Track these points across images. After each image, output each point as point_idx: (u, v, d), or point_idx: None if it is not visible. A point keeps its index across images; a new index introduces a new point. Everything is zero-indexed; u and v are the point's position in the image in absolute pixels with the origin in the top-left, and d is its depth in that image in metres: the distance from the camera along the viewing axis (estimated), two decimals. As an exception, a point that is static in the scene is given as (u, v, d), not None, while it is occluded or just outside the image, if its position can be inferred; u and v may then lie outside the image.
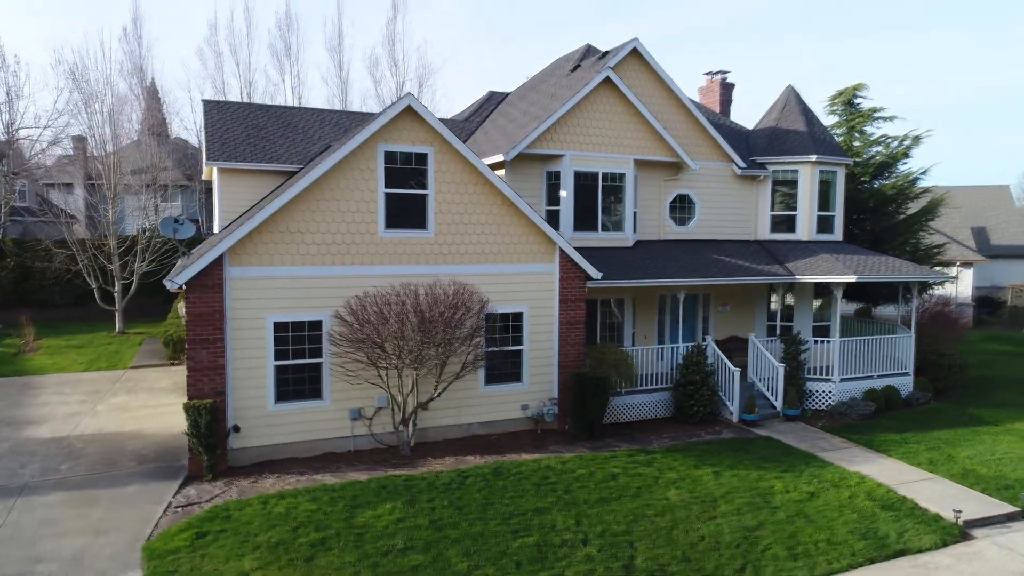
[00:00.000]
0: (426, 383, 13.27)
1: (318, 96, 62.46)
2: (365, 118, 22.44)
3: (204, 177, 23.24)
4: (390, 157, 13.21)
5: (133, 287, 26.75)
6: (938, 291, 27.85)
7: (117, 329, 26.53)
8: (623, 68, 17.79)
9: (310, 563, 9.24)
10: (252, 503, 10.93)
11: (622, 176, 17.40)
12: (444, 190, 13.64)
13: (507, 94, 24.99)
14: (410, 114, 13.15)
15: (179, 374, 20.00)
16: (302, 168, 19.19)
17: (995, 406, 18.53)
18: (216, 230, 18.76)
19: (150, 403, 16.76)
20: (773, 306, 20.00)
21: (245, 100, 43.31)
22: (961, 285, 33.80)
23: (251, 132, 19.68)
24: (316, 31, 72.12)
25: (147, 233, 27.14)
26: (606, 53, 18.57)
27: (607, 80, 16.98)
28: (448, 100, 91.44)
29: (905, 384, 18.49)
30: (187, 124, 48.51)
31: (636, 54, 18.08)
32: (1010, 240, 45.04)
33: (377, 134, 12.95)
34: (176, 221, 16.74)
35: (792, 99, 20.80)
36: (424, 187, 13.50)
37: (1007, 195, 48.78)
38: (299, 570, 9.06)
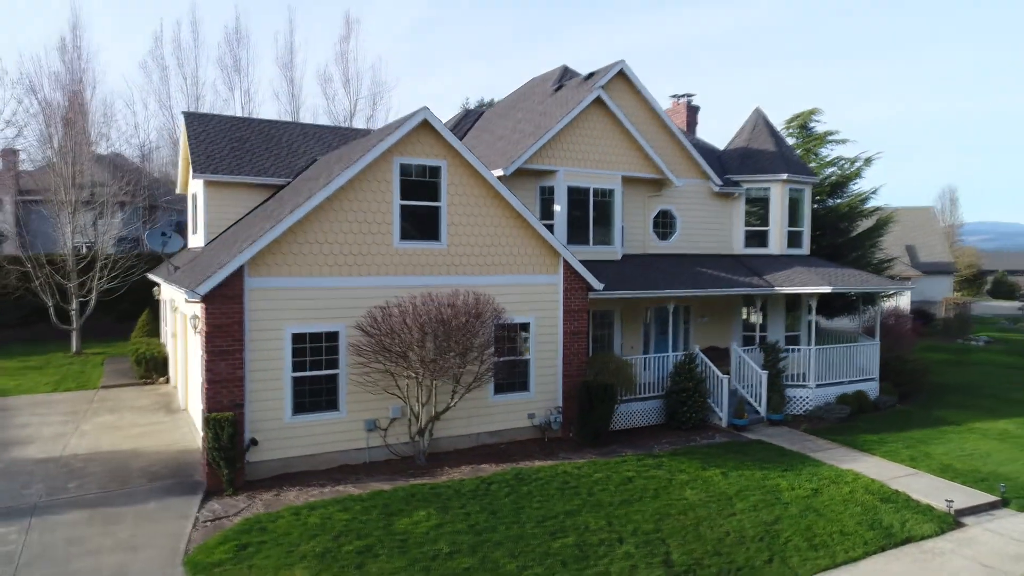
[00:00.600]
0: (442, 393, 13.40)
1: (268, 112, 61.37)
2: (348, 133, 22.47)
3: (179, 191, 22.70)
4: (405, 170, 13.39)
5: (92, 305, 25.72)
6: (884, 304, 29.54)
7: (74, 349, 25.43)
8: (609, 88, 18.47)
9: (361, 569, 9.25)
10: (283, 515, 10.81)
11: (611, 192, 18.02)
12: (456, 202, 13.90)
13: (482, 112, 25.45)
14: (425, 127, 13.39)
15: (156, 393, 19.40)
16: (290, 181, 19.12)
17: (953, 408, 19.87)
18: (201, 243, 18.40)
19: (139, 422, 16.22)
20: (749, 317, 20.91)
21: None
22: (901, 299, 35.90)
23: (235, 145, 19.44)
24: (267, 46, 71.23)
25: (88, 251, 26.06)
26: (592, 74, 19.25)
27: (597, 100, 17.61)
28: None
29: (873, 389, 19.64)
30: (129, 139, 46.87)
31: (621, 75, 18.81)
32: (936, 258, 48.16)
33: (394, 147, 13.13)
34: (163, 234, 16.46)
35: (761, 121, 21.96)
36: (437, 199, 13.72)
37: (932, 216, 52.18)
38: (353, 576, 9.07)
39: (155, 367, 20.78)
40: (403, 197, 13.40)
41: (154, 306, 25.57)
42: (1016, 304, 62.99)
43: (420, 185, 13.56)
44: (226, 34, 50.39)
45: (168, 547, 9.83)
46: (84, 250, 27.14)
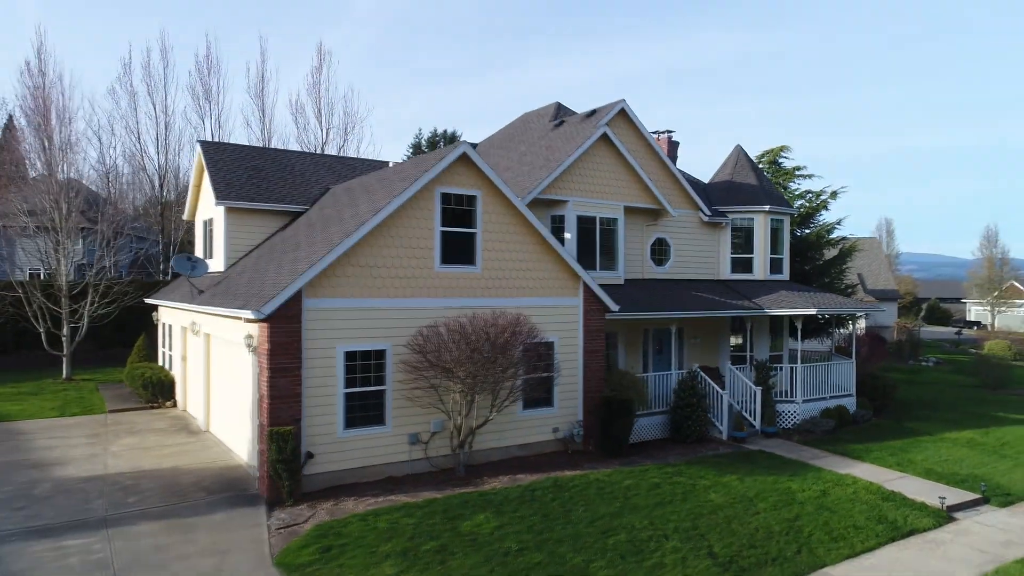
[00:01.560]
0: (480, 407, 14.25)
1: (239, 140, 61.33)
2: (356, 163, 23.32)
3: (187, 217, 23.02)
4: (445, 199, 14.37)
5: (83, 330, 25.58)
6: (848, 328, 31.57)
7: (64, 375, 25.19)
8: (610, 124, 19.86)
9: (444, 565, 10.01)
10: (351, 521, 11.47)
11: (615, 221, 19.31)
12: (490, 229, 14.92)
13: (475, 145, 26.60)
14: (464, 160, 14.43)
15: (167, 417, 19.60)
16: (307, 208, 19.83)
17: (922, 420, 21.65)
18: (222, 267, 18.86)
19: (164, 443, 16.50)
20: (737, 338, 22.39)
21: (162, 140, 42.33)
22: (860, 324, 38.25)
23: (251, 173, 20.06)
24: (239, 74, 70.95)
25: (69, 275, 25.96)
26: (595, 111, 20.65)
27: (603, 136, 18.96)
28: (374, 147, 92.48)
29: (851, 404, 21.25)
30: (93, 165, 46.05)
31: (621, 112, 20.25)
32: (882, 285, 51.20)
33: (436, 178, 14.12)
34: (189, 259, 16.99)
35: (742, 157, 23.72)
36: (473, 226, 14.71)
37: (877, 245, 55.51)
38: (438, 571, 9.82)
39: (162, 391, 20.93)
40: (443, 224, 14.35)
41: (150, 331, 25.59)
42: (952, 329, 67.01)
43: (458, 213, 14.55)
44: (197, 62, 50.47)
45: (253, 551, 10.40)
46: (70, 276, 26.99)
